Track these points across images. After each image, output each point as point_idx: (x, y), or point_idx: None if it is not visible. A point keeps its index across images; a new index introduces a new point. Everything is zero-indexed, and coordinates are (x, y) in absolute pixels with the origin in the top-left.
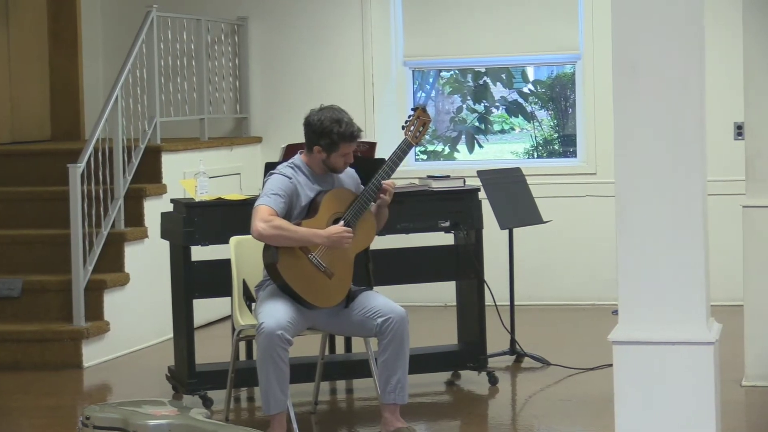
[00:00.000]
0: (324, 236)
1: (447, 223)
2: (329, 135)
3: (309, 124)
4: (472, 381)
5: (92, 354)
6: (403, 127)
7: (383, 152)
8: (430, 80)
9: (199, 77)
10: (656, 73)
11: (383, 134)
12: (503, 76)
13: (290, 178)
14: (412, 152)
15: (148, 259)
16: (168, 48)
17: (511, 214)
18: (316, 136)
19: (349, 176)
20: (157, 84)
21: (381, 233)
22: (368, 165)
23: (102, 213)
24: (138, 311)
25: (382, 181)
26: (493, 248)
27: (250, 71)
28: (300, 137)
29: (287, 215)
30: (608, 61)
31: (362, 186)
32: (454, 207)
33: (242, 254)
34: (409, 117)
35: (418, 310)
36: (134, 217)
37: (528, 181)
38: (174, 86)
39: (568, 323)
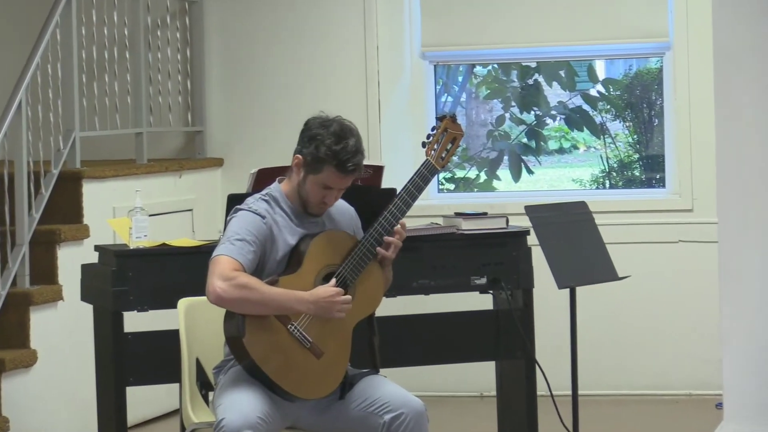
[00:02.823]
0: (310, 301)
1: (483, 280)
2: (317, 146)
3: (305, 125)
4: None
5: None
6: (423, 145)
7: (394, 180)
8: (460, 79)
9: (135, 75)
10: None
11: (393, 154)
12: (561, 73)
13: (264, 218)
14: (434, 180)
15: (63, 331)
16: (92, 35)
17: (574, 267)
18: (304, 141)
19: (345, 214)
20: (76, 85)
21: (390, 294)
22: (373, 198)
23: None
24: (48, 403)
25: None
26: (548, 315)
27: (206, 67)
28: (276, 158)
29: (258, 269)
30: (709, 52)
31: (363, 229)
32: (492, 257)
33: (195, 324)
34: (432, 130)
35: (442, 402)
36: (44, 272)
37: (597, 221)
38: (100, 88)
39: (652, 420)
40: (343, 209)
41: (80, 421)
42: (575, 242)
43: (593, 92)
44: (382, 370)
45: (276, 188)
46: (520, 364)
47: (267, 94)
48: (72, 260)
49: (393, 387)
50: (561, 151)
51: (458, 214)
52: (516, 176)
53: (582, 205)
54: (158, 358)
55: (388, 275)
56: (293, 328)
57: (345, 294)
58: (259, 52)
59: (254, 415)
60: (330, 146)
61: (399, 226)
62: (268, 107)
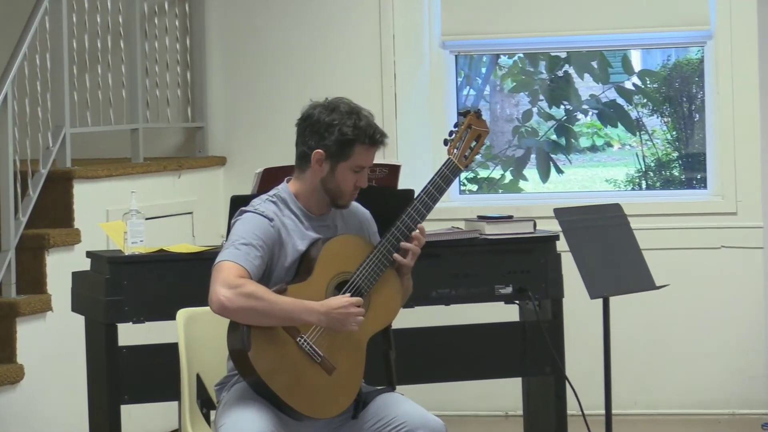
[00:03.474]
0: (321, 311)
1: (508, 289)
2: (340, 129)
3: (308, 118)
4: None
5: None
6: (446, 142)
7: (412, 180)
8: (483, 71)
9: (131, 67)
10: None
11: (411, 153)
12: (594, 64)
13: (271, 220)
14: (456, 180)
15: (52, 344)
16: (83, 22)
17: (607, 275)
18: (318, 134)
19: (360, 217)
20: (66, 77)
21: (408, 304)
22: (389, 200)
23: None
24: (36, 423)
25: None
26: (579, 327)
27: (208, 57)
28: (284, 157)
29: (265, 277)
30: (753, 40)
31: (378, 235)
32: (519, 264)
33: (196, 337)
34: (455, 127)
35: (464, 422)
36: (31, 280)
37: (633, 225)
38: (93, 80)
39: None
40: (357, 211)
41: None
42: (609, 248)
43: (628, 85)
44: (399, 387)
45: (284, 189)
46: (549, 381)
47: (274, 87)
48: (62, 267)
49: (410, 405)
50: (593, 148)
51: (481, 218)
52: (544, 176)
53: (616, 208)
54: (155, 373)
55: (406, 284)
56: (302, 341)
57: (359, 304)
58: (265, 42)
59: None
60: (354, 125)
61: (417, 231)
62: (274, 101)
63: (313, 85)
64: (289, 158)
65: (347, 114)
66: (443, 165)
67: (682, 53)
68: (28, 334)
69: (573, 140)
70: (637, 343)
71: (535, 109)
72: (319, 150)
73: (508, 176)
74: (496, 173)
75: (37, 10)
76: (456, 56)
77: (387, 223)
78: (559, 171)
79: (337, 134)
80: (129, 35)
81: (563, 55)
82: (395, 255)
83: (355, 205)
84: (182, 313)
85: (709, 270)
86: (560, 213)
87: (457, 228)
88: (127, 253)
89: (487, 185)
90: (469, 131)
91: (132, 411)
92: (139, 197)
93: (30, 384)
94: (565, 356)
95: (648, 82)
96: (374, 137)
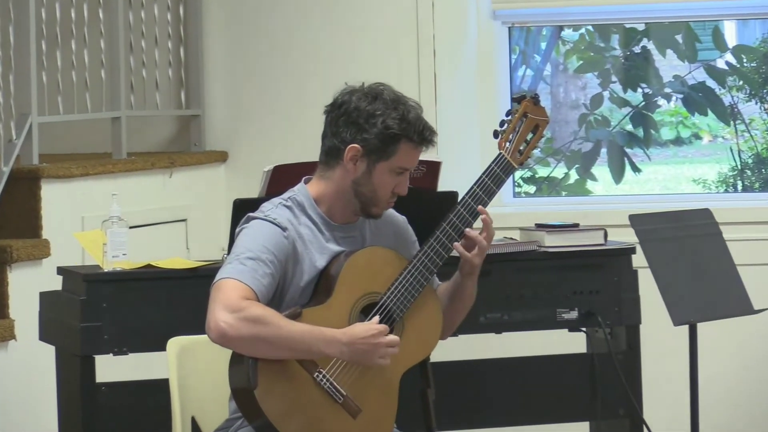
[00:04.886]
0: (344, 342)
1: (573, 314)
2: (384, 122)
3: (343, 105)
4: None
5: None
6: (496, 134)
7: (455, 180)
8: (543, 46)
9: (112, 42)
10: None
11: (454, 147)
12: (678, 38)
13: (285, 230)
14: (509, 180)
15: (16, 380)
16: None
17: (695, 296)
18: (355, 125)
19: (395, 226)
20: (33, 55)
21: (452, 333)
22: (428, 204)
23: None
24: None
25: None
26: (660, 360)
27: (206, 31)
28: (299, 152)
29: (276, 299)
30: None
31: (418, 245)
32: (586, 283)
33: (191, 372)
34: (507, 116)
35: None
36: None
37: (726, 235)
38: (65, 59)
39: None
40: (391, 218)
41: None
42: (697, 263)
43: (721, 63)
44: None
45: (302, 190)
46: (624, 425)
47: (286, 68)
48: (28, 286)
49: None
50: (677, 141)
51: (540, 226)
52: (617, 175)
53: (705, 214)
54: (141, 416)
55: (468, 291)
56: (321, 377)
57: (390, 333)
58: (277, 13)
59: None
60: (402, 118)
61: (484, 215)
62: (288, 84)
63: (334, 66)
64: (305, 153)
65: (393, 103)
66: (493, 162)
67: None
68: None
69: (653, 131)
70: (731, 379)
71: (606, 94)
72: (356, 145)
73: (573, 175)
74: (559, 172)
75: None
76: (509, 28)
77: (425, 233)
78: (636, 169)
79: (380, 127)
80: (109, 3)
81: (641, 27)
82: (456, 244)
83: (389, 211)
84: (174, 343)
85: None
86: (637, 220)
87: (511, 239)
88: (106, 269)
89: (548, 186)
90: (525, 120)
91: None
92: (121, 201)
93: None
94: (643, 396)
95: (744, 61)
96: (423, 134)
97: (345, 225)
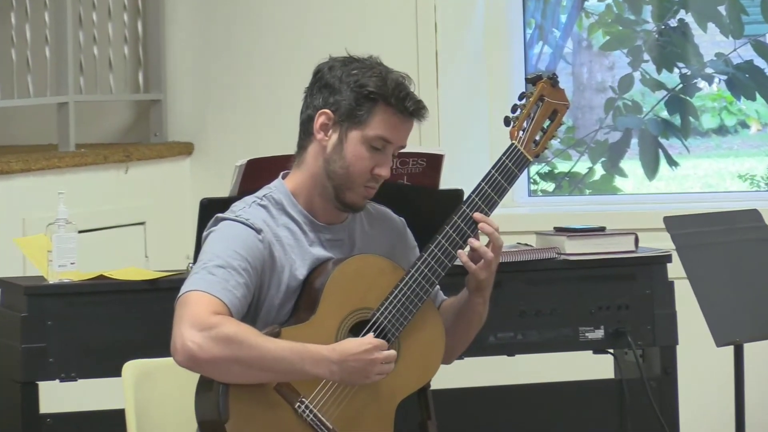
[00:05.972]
0: (333, 359)
1: (599, 333)
2: (357, 80)
3: (318, 73)
4: None
5: None
6: (507, 121)
7: (461, 176)
8: (563, 18)
9: (58, 17)
10: None
11: (458, 136)
12: (721, 10)
13: (260, 232)
14: (524, 175)
15: None
16: None
17: (740, 313)
18: (327, 88)
19: (390, 228)
20: None
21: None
22: (429, 203)
23: None
24: None
25: (475, 218)
26: (700, 386)
27: (167, 2)
28: (275, 144)
29: (250, 314)
30: None
31: (418, 251)
32: (614, 297)
33: (150, 400)
34: (521, 99)
35: None
36: None
37: None
38: (4, 36)
39: None
40: (386, 219)
41: None
42: (743, 274)
43: None
44: None
45: (279, 187)
46: None
47: (263, 45)
48: None
49: None
50: (721, 130)
51: (560, 230)
52: (651, 170)
53: (753, 216)
54: None
55: (478, 309)
56: (303, 408)
57: (386, 349)
58: None
59: None
60: (380, 77)
61: (485, 223)
62: (262, 65)
63: (320, 42)
64: (283, 146)
65: (372, 66)
66: (504, 154)
67: None
68: None
69: (692, 119)
70: None
71: (637, 75)
72: (326, 110)
73: (599, 170)
74: (582, 166)
75: None
76: None
77: (426, 237)
78: (673, 163)
79: (353, 86)
80: None
81: None
82: (460, 252)
83: (383, 210)
84: (131, 367)
85: None
86: (673, 223)
87: (526, 245)
88: (52, 280)
89: (569, 183)
90: (541, 105)
91: None
92: (69, 200)
93: None
94: (680, 427)
95: None
96: (404, 102)
97: (331, 225)
